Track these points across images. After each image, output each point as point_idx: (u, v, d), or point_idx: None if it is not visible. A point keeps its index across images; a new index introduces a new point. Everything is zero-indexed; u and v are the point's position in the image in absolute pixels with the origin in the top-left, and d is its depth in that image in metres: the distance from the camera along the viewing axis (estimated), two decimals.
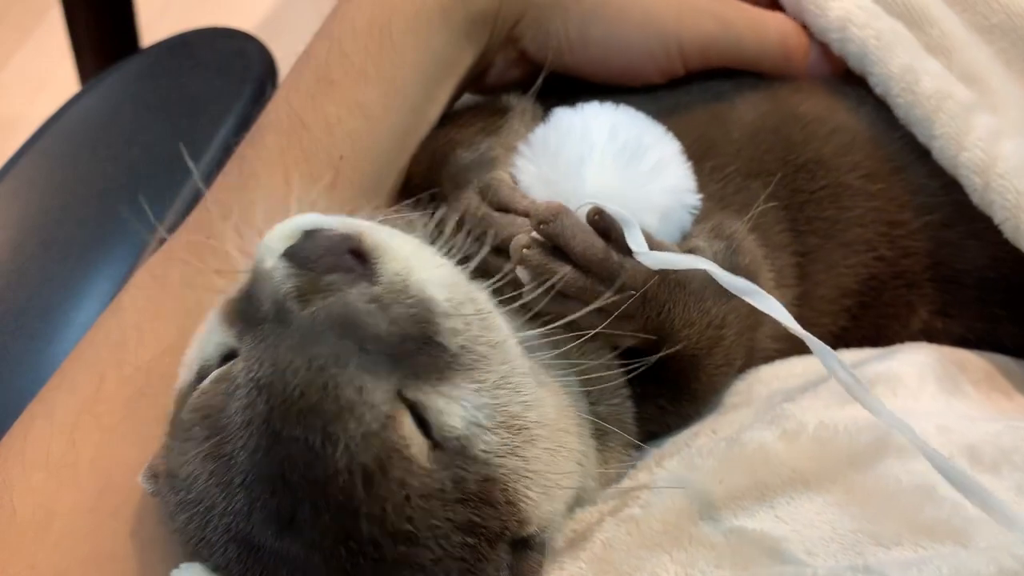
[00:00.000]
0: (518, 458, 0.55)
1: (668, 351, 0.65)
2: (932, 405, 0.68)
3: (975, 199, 0.74)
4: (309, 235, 0.53)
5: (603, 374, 0.64)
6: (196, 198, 0.80)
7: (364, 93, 0.72)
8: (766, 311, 0.57)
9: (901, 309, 0.74)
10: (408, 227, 0.63)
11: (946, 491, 0.59)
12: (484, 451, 0.53)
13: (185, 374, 0.59)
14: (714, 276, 0.57)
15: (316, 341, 0.50)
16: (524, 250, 0.60)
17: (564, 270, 0.60)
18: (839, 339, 0.79)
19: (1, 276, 0.86)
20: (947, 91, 0.77)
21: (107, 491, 0.62)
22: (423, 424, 0.52)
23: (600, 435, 0.65)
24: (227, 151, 0.94)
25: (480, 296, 0.58)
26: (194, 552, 0.55)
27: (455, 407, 0.53)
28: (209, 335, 0.57)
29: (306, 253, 0.52)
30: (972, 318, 0.79)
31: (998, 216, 0.73)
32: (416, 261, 0.55)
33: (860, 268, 0.78)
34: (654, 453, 0.66)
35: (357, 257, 0.53)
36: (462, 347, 0.54)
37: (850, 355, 0.75)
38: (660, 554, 0.56)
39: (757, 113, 0.79)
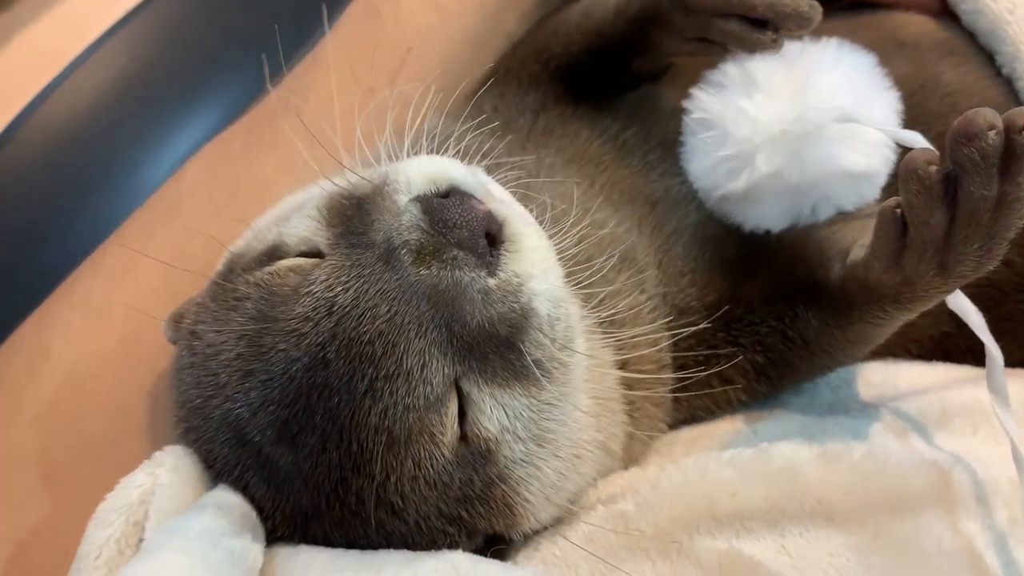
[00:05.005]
0: (533, 467, 0.53)
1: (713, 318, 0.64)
2: None
3: None
4: (455, 195, 0.51)
5: (646, 352, 0.61)
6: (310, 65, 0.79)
7: None
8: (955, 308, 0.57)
9: (1019, 324, 0.64)
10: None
11: (992, 562, 0.51)
12: (506, 457, 0.52)
13: (252, 241, 0.58)
14: None
15: (409, 300, 0.49)
16: (930, 166, 0.54)
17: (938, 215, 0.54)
18: (939, 345, 0.70)
19: (94, 126, 0.87)
20: None
21: (132, 343, 0.64)
22: (462, 415, 0.51)
23: (630, 412, 0.61)
24: None
25: (572, 311, 0.56)
26: (188, 415, 0.54)
27: (499, 413, 0.52)
28: (300, 219, 0.55)
29: (445, 216, 0.50)
30: None
31: None
32: (538, 268, 0.53)
33: None
34: (671, 443, 0.61)
35: (490, 241, 0.51)
36: (536, 361, 0.52)
37: (957, 371, 0.66)
38: (642, 560, 0.51)
39: (897, 75, 0.69)
